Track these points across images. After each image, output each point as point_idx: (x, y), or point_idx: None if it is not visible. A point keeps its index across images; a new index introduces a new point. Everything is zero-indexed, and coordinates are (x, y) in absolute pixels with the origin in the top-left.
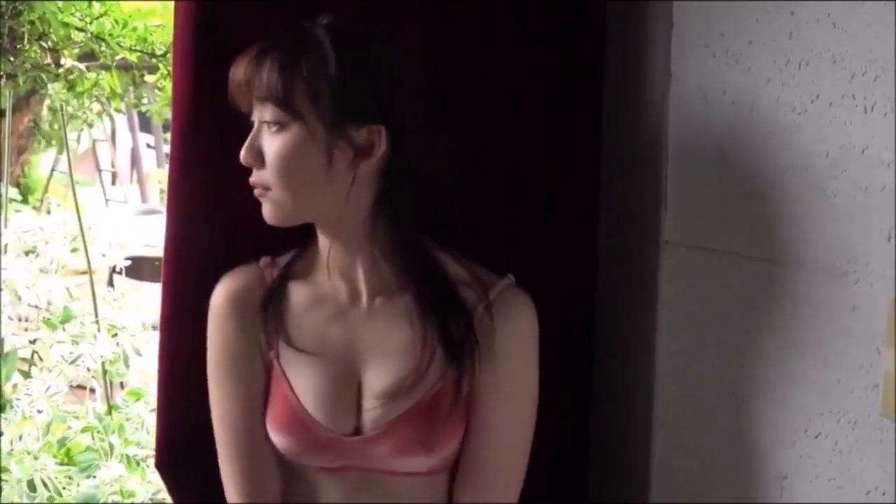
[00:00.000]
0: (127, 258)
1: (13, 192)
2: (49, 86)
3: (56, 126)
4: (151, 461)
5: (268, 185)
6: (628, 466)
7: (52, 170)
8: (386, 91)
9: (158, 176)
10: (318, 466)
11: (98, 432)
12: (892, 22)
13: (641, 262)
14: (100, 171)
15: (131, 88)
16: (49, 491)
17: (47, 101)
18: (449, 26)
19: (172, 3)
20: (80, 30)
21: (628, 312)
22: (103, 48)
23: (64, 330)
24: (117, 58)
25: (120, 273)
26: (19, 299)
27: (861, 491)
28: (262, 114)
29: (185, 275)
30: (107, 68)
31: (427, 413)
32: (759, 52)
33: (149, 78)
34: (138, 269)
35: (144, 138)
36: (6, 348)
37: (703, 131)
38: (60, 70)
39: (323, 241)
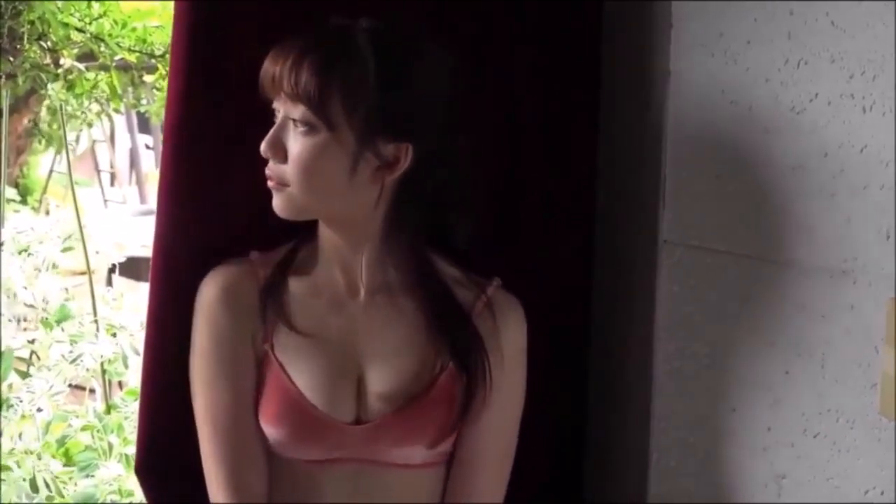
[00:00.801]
0: (125, 257)
1: (12, 193)
2: (49, 86)
3: (55, 126)
4: None
5: (286, 181)
6: (625, 466)
7: (51, 170)
8: (419, 110)
9: (157, 177)
10: (311, 459)
11: (97, 431)
12: (890, 21)
13: (640, 261)
14: (98, 171)
15: (130, 89)
16: (50, 490)
17: (46, 102)
18: (447, 26)
19: (172, 3)
20: (80, 30)
21: (626, 311)
22: (102, 48)
23: (63, 330)
24: (116, 58)
25: (113, 271)
26: (15, 296)
27: (859, 490)
28: (291, 111)
29: (173, 274)
30: (106, 69)
31: (429, 404)
32: (757, 52)
33: (147, 78)
34: (137, 269)
35: (143, 139)
36: (2, 348)
37: (702, 131)
38: (60, 70)
39: (327, 236)
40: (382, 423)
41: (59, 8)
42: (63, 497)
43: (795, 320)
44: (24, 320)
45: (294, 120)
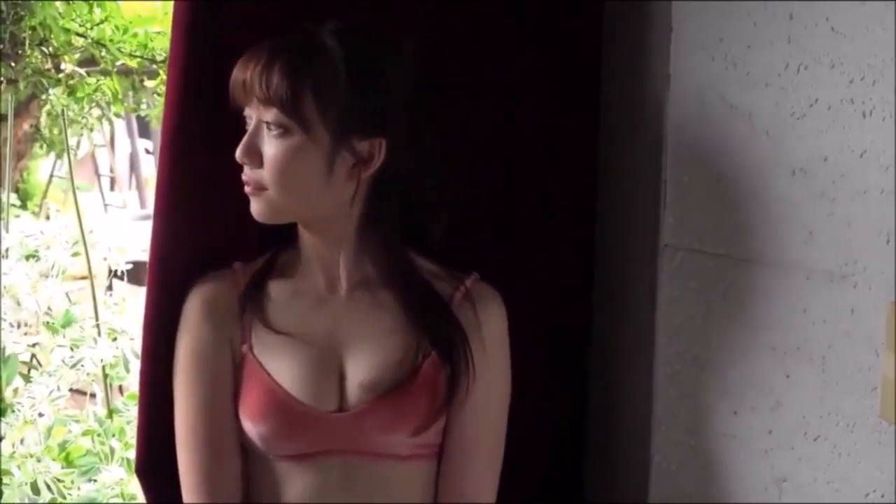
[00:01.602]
0: (132, 263)
1: (12, 198)
2: (50, 91)
3: (56, 131)
4: None
5: (263, 185)
6: (626, 468)
7: (51, 175)
8: (390, 105)
9: None
10: (298, 454)
11: (98, 436)
12: (890, 26)
13: (640, 265)
14: (98, 176)
15: (131, 93)
16: (52, 493)
17: (47, 107)
18: (445, 27)
19: (172, 4)
20: (81, 35)
21: (627, 315)
22: (104, 54)
23: (64, 336)
24: (118, 63)
25: (122, 278)
26: (19, 304)
27: (860, 493)
28: (264, 115)
29: (170, 277)
30: (107, 73)
31: (412, 392)
32: (757, 56)
33: (148, 83)
34: (137, 273)
35: (143, 144)
36: (7, 353)
37: (702, 135)
38: (61, 75)
39: (306, 238)
40: (366, 411)
41: (60, 13)
42: (65, 499)
43: (796, 324)
44: (25, 325)
45: (267, 123)
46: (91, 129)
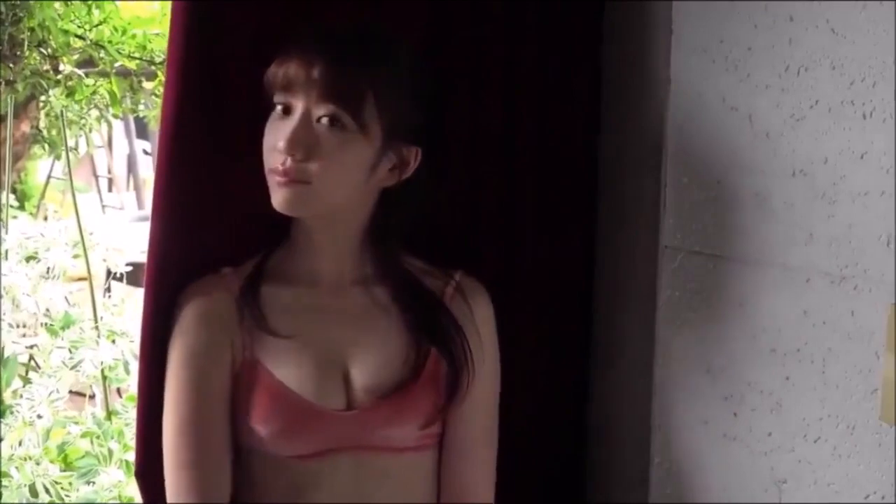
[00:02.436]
0: (126, 264)
1: (10, 199)
2: (49, 92)
3: (55, 132)
4: None
5: (307, 178)
6: (627, 470)
7: (49, 176)
8: (428, 115)
9: None
10: (308, 453)
11: (97, 438)
12: (890, 28)
13: (641, 266)
14: (96, 177)
15: (129, 94)
16: (51, 496)
17: (45, 108)
18: (445, 30)
19: (170, 5)
20: (80, 37)
21: (627, 316)
22: (102, 55)
23: (62, 339)
24: (116, 64)
25: (121, 280)
26: (17, 306)
27: (860, 495)
28: (317, 108)
29: (167, 280)
30: (105, 75)
31: (417, 388)
32: (758, 58)
33: (147, 84)
34: (136, 275)
35: (141, 145)
36: (6, 354)
37: (703, 137)
38: (59, 76)
39: (312, 234)
40: (373, 408)
41: (59, 15)
42: (63, 501)
43: (796, 326)
44: (23, 326)
45: (323, 117)
46: (90, 131)
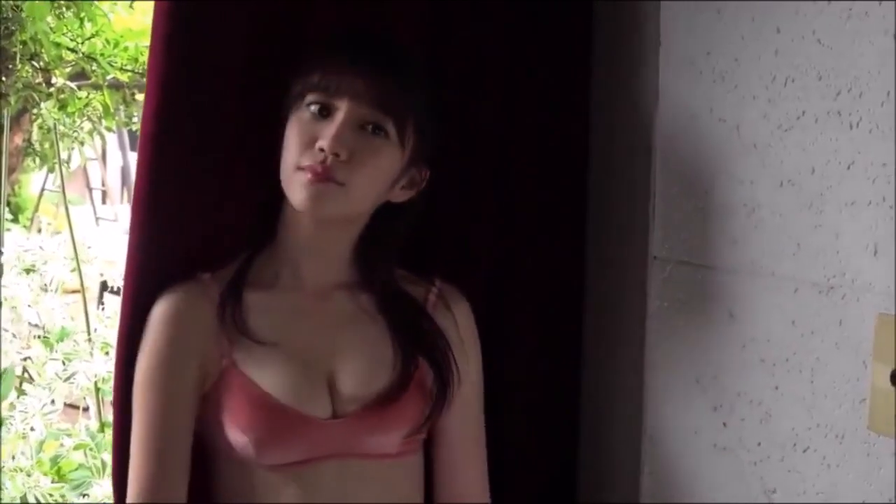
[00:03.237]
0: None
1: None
2: (41, 105)
3: (48, 145)
4: None
5: (343, 180)
6: (617, 480)
7: (43, 188)
8: (442, 139)
9: None
10: (288, 463)
11: (91, 450)
12: (877, 39)
13: (630, 277)
14: (90, 189)
15: (122, 107)
16: None
17: (38, 121)
18: (436, 47)
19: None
20: (72, 50)
21: (617, 326)
22: (95, 68)
23: (56, 351)
24: (108, 77)
25: (117, 293)
26: (19, 318)
27: None
28: (364, 114)
29: (145, 288)
30: (98, 87)
31: (404, 396)
32: (745, 70)
33: (139, 97)
34: None
35: (135, 157)
36: (4, 365)
37: (691, 148)
38: (52, 89)
39: (304, 238)
40: (359, 417)
41: (51, 28)
42: None
43: (785, 335)
44: (17, 337)
45: (371, 124)
46: (82, 143)
